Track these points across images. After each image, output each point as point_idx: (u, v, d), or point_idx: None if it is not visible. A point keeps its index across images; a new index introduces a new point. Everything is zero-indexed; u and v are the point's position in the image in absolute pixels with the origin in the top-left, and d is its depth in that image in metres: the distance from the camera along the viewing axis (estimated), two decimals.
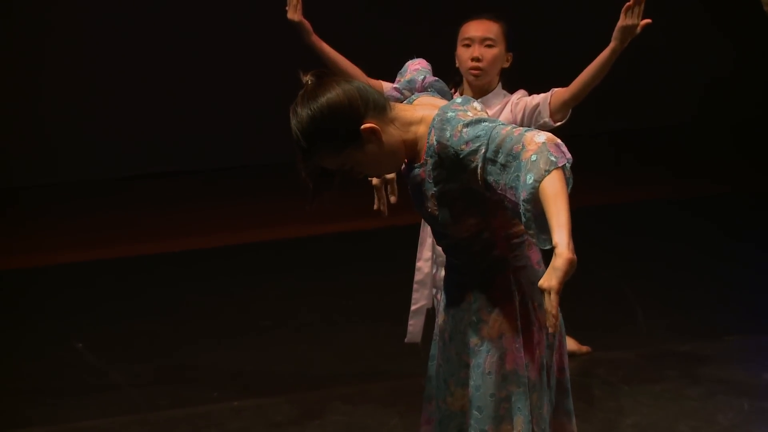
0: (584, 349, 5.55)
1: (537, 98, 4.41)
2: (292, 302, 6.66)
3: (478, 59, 4.42)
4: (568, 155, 2.71)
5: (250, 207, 9.05)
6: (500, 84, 4.51)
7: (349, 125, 2.91)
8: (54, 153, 9.99)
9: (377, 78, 4.52)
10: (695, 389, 5.16)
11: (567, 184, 2.68)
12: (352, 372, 5.59)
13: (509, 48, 4.52)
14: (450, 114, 2.89)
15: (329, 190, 3.03)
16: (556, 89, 4.40)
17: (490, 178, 2.80)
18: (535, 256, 3.12)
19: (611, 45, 4.26)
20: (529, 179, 2.67)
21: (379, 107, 2.96)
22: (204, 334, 6.20)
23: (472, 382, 3.11)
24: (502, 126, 2.82)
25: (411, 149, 3.03)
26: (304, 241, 7.91)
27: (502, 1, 5.40)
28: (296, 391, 5.39)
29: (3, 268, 7.58)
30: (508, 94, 4.50)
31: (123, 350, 6.00)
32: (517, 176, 2.73)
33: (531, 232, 2.73)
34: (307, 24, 4.61)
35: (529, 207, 2.70)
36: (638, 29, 4.25)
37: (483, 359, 3.08)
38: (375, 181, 3.72)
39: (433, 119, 2.94)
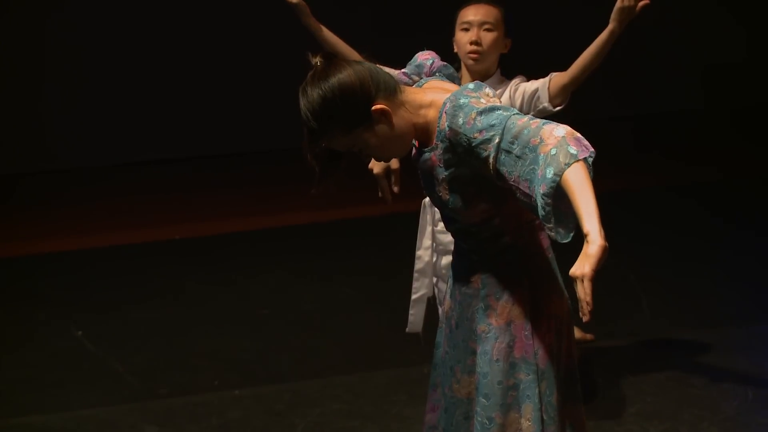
0: (588, 336, 5.53)
1: (536, 83, 4.38)
2: (291, 290, 6.64)
3: (477, 43, 4.38)
4: (591, 148, 2.69)
5: (249, 194, 9.03)
6: (499, 70, 4.48)
7: (360, 106, 2.88)
8: (49, 140, 9.97)
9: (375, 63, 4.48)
10: (699, 378, 5.14)
11: (590, 175, 2.66)
12: (352, 360, 5.57)
13: (508, 33, 4.49)
14: (463, 100, 2.86)
15: (336, 173, 3.02)
16: (554, 73, 4.37)
17: (503, 169, 2.77)
18: (545, 242, 3.10)
19: (609, 27, 4.23)
20: (549, 173, 2.65)
21: (390, 89, 2.94)
22: (203, 322, 6.18)
23: (479, 369, 3.09)
24: (518, 116, 2.80)
25: (421, 133, 3.01)
26: (304, 228, 7.89)
27: None
28: (297, 380, 5.38)
29: (1, 255, 7.56)
30: (507, 80, 4.47)
31: (122, 338, 5.98)
32: (533, 169, 2.70)
33: (549, 225, 2.70)
34: (305, 5, 4.59)
35: (548, 201, 2.67)
36: (636, 10, 4.22)
37: (491, 346, 3.06)
38: (377, 170, 3.68)
39: (444, 103, 2.91)
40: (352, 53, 4.51)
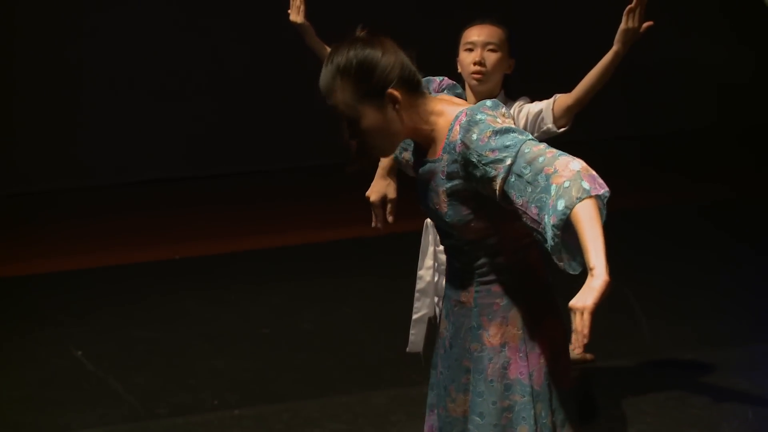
0: (588, 356, 5.53)
1: (540, 104, 4.39)
2: (292, 310, 6.63)
3: (480, 63, 4.39)
4: (605, 187, 2.70)
5: (249, 213, 9.03)
6: (503, 91, 4.49)
7: (377, 83, 2.90)
8: (51, 159, 9.97)
9: None
10: (699, 398, 5.13)
11: (601, 214, 2.67)
12: (352, 380, 5.57)
13: (512, 54, 4.50)
14: (479, 116, 2.87)
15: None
16: (558, 95, 4.38)
17: (512, 192, 2.78)
18: (541, 263, 3.09)
19: (614, 48, 4.24)
20: (560, 205, 2.66)
21: (412, 86, 2.96)
22: (203, 341, 6.18)
23: (473, 388, 3.08)
24: (533, 142, 2.81)
25: (424, 139, 3.02)
26: (304, 248, 7.89)
27: (504, 7, 5.38)
28: (296, 400, 5.37)
29: (1, 275, 7.55)
30: (510, 101, 4.48)
31: (122, 358, 5.97)
32: (543, 198, 2.71)
33: (557, 256, 2.72)
34: (309, 26, 4.60)
35: (558, 233, 2.69)
36: (641, 32, 4.23)
37: (485, 365, 3.06)
38: (374, 197, 3.68)
39: (458, 116, 2.92)
40: None
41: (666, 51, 10.27)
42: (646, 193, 8.92)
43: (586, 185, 2.66)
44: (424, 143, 3.03)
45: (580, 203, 2.64)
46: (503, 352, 3.04)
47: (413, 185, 3.18)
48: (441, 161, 2.96)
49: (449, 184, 2.95)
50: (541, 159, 2.74)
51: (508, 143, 2.80)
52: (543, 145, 2.79)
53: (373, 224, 3.63)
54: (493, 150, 2.81)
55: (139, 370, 5.79)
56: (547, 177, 2.71)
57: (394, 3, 9.83)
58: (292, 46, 8.34)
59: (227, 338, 6.22)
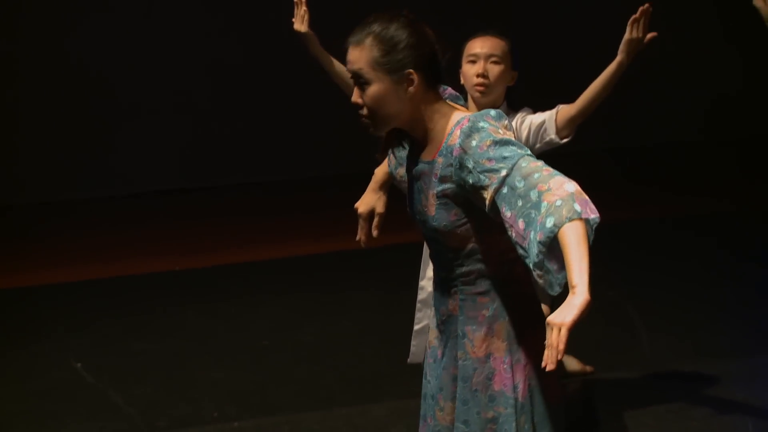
0: (588, 369, 5.52)
1: (543, 115, 4.40)
2: (291, 322, 6.63)
3: (483, 75, 4.40)
4: (596, 213, 2.70)
5: (248, 225, 9.03)
6: (505, 102, 4.49)
7: (404, 60, 2.94)
8: (48, 171, 9.98)
9: None
10: (699, 410, 5.13)
11: (588, 238, 2.67)
12: (353, 392, 5.56)
13: (514, 66, 4.50)
14: (482, 124, 2.89)
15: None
16: (561, 106, 4.39)
17: (502, 204, 2.79)
18: (526, 279, 3.08)
19: (617, 59, 4.25)
20: (549, 222, 2.67)
21: (431, 80, 3.00)
22: (203, 353, 6.17)
23: (459, 396, 3.09)
24: (531, 157, 2.82)
25: (420, 135, 3.03)
26: (304, 260, 7.89)
27: (507, 20, 5.40)
28: (296, 412, 5.36)
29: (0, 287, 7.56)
30: (513, 112, 4.48)
31: (121, 370, 5.97)
32: (532, 213, 2.72)
33: (539, 272, 2.73)
34: (313, 35, 4.62)
35: (543, 249, 2.70)
36: (644, 42, 4.24)
37: (470, 374, 3.07)
38: (362, 209, 3.67)
39: (460, 121, 2.94)
40: None
41: (657, 62, 10.29)
42: (639, 206, 8.93)
43: (577, 207, 2.67)
44: (419, 140, 3.05)
45: (569, 223, 2.65)
46: (488, 363, 3.05)
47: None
48: (435, 163, 2.98)
49: (441, 187, 2.96)
50: (536, 175, 2.75)
51: (506, 155, 2.81)
52: (540, 162, 2.80)
53: (357, 237, 3.64)
54: (490, 159, 2.82)
55: (139, 383, 5.79)
56: (540, 194, 2.72)
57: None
58: (292, 58, 8.38)
59: (227, 350, 6.22)
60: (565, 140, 4.38)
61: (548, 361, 2.62)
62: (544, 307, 3.79)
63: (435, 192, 2.98)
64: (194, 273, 7.74)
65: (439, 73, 3.03)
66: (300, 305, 6.91)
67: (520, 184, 2.76)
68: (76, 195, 9.96)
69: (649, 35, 4.25)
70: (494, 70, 4.42)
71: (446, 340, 3.15)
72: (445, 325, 3.15)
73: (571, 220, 2.65)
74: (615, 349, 5.88)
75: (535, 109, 4.48)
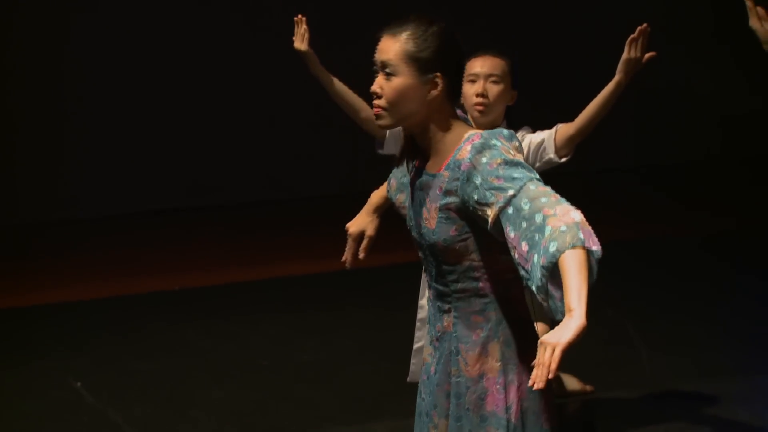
0: (588, 388, 5.51)
1: (542, 134, 4.40)
2: (291, 341, 6.62)
3: (483, 95, 4.40)
4: (599, 245, 2.69)
5: (247, 244, 9.03)
6: (505, 122, 4.50)
7: (435, 63, 2.97)
8: (47, 192, 9.98)
9: None
10: (699, 429, 5.13)
11: (590, 270, 2.66)
12: (352, 411, 5.55)
13: (514, 85, 4.51)
14: (494, 142, 2.89)
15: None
16: (560, 125, 4.39)
17: (506, 224, 2.79)
18: (522, 301, 3.08)
19: (616, 78, 4.26)
20: (552, 247, 2.66)
21: (452, 93, 3.03)
22: (203, 372, 6.16)
23: (452, 412, 3.09)
24: (539, 182, 2.82)
25: (427, 144, 3.04)
26: (303, 279, 7.89)
27: (507, 39, 5.42)
28: (296, 431, 5.35)
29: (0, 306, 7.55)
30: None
31: (121, 389, 5.96)
32: (536, 237, 2.71)
33: (541, 296, 2.72)
34: (313, 54, 4.63)
35: (546, 274, 2.69)
36: (643, 62, 4.25)
37: (462, 392, 3.06)
38: (353, 229, 3.67)
39: (470, 137, 2.94)
40: (359, 102, 4.55)
41: (664, 81, 10.33)
42: (644, 224, 8.93)
43: (581, 235, 2.66)
44: (424, 149, 3.05)
45: (571, 249, 2.64)
46: (481, 383, 3.04)
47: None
48: (441, 177, 2.98)
49: (444, 201, 2.96)
50: (543, 199, 2.75)
51: (515, 176, 2.81)
52: (548, 188, 2.80)
53: (343, 257, 3.63)
54: (498, 178, 2.82)
55: (139, 402, 5.78)
56: (545, 217, 2.71)
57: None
58: (290, 79, 8.39)
59: (227, 369, 6.21)
60: (564, 159, 4.38)
61: (537, 380, 2.58)
62: (544, 326, 3.79)
63: (438, 205, 2.98)
64: (194, 292, 7.73)
65: (460, 88, 3.07)
66: (299, 324, 6.90)
67: (525, 206, 2.75)
68: (75, 214, 9.95)
69: (648, 55, 4.26)
70: (494, 89, 4.43)
71: (440, 357, 3.14)
72: (440, 341, 3.14)
73: (574, 246, 2.64)
74: (615, 367, 5.87)
75: (535, 128, 4.48)
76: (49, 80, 9.89)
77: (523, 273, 2.77)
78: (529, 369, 3.00)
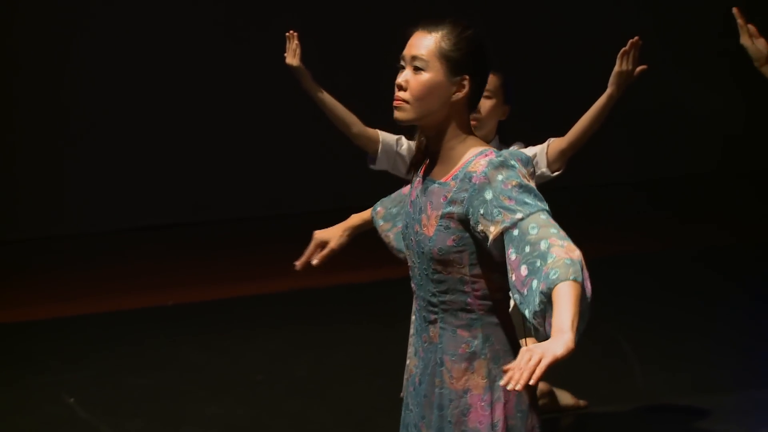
0: (581, 403, 5.51)
1: (534, 149, 4.41)
2: (285, 356, 6.62)
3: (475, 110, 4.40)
4: (590, 291, 2.71)
5: (242, 259, 9.03)
6: (497, 136, 4.51)
7: (468, 65, 3.00)
8: (42, 207, 9.97)
9: (374, 127, 4.54)
10: None
11: (583, 313, 2.67)
12: (347, 426, 5.55)
13: (507, 101, 4.52)
14: (513, 163, 2.91)
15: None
16: (552, 139, 4.40)
17: (509, 245, 2.80)
18: (509, 322, 3.08)
19: (608, 91, 4.27)
20: (553, 274, 2.67)
21: (472, 102, 3.06)
22: (197, 388, 6.16)
23: (434, 423, 3.09)
24: (549, 213, 2.84)
25: (437, 149, 3.05)
26: (298, 294, 7.87)
27: (499, 54, 5.42)
28: None
29: None
30: (505, 147, 4.49)
31: (115, 405, 5.95)
32: (537, 263, 2.72)
33: (537, 321, 2.72)
34: (305, 69, 4.63)
35: (545, 300, 2.69)
36: (634, 75, 4.27)
37: (445, 404, 3.06)
38: (318, 235, 3.68)
39: (482, 151, 2.98)
40: (351, 118, 4.55)
41: (661, 97, 10.36)
42: (639, 239, 8.94)
43: (581, 274, 2.68)
44: (434, 155, 3.07)
45: (572, 281, 2.65)
46: (464, 398, 3.03)
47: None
48: (447, 186, 2.99)
49: (447, 209, 2.97)
50: (552, 230, 2.77)
51: (527, 201, 2.83)
52: (557, 224, 2.81)
53: (297, 261, 3.66)
54: (510, 199, 2.83)
55: (133, 417, 5.77)
56: (550, 246, 2.72)
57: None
58: (282, 92, 8.40)
59: (221, 384, 6.20)
60: (556, 173, 4.39)
61: (513, 381, 2.51)
62: (532, 340, 3.79)
63: (440, 213, 2.99)
64: (188, 307, 7.73)
65: (480, 97, 3.09)
66: (293, 339, 6.90)
67: (533, 231, 2.77)
68: (68, 230, 9.94)
69: (639, 68, 4.27)
70: (485, 104, 4.44)
71: (425, 367, 3.14)
72: (425, 352, 3.14)
73: (574, 280, 2.65)
74: (609, 382, 5.87)
75: (527, 143, 4.49)
76: (43, 97, 9.89)
77: (516, 297, 2.77)
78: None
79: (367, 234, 3.72)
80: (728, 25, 4.33)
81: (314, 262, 3.64)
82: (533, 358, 2.53)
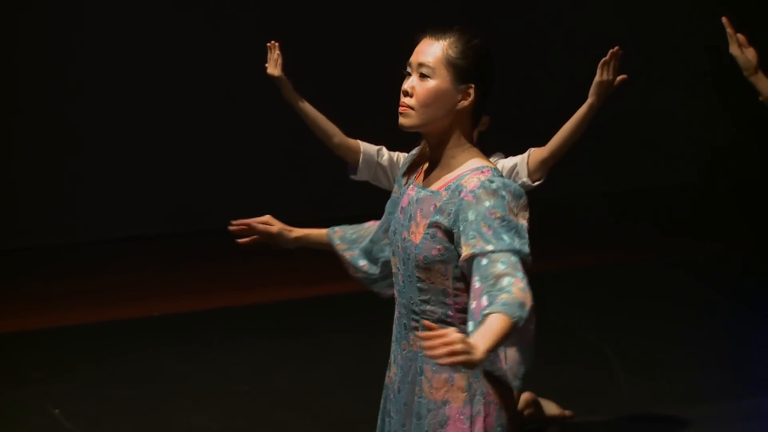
0: (566, 413, 5.51)
1: (514, 159, 4.42)
2: (271, 368, 6.60)
3: None
4: (531, 340, 2.83)
5: (227, 270, 9.00)
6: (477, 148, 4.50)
7: (473, 73, 3.02)
8: (27, 216, 9.94)
9: (355, 138, 4.55)
10: None
11: (525, 358, 2.88)
12: None
13: (486, 111, 4.52)
14: (503, 193, 2.92)
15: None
16: (533, 149, 4.41)
17: (476, 273, 2.84)
18: None
19: (588, 101, 4.29)
20: (502, 305, 2.73)
21: (477, 113, 3.08)
22: (182, 399, 6.14)
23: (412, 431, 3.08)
24: (523, 254, 2.86)
25: (435, 156, 3.07)
26: (283, 305, 7.87)
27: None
28: None
29: None
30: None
31: (100, 416, 5.94)
32: (498, 295, 2.76)
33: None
34: (286, 80, 4.64)
35: (482, 319, 2.75)
36: (615, 85, 4.28)
37: (423, 413, 3.06)
38: (267, 217, 3.68)
39: (479, 167, 3.00)
40: (332, 128, 4.56)
41: (642, 105, 10.38)
42: (621, 250, 8.94)
43: (522, 321, 2.73)
44: (434, 163, 3.08)
45: (512, 318, 2.71)
46: (443, 410, 3.04)
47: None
48: (438, 195, 3.01)
49: (435, 218, 2.98)
50: (519, 274, 2.81)
51: (504, 237, 2.85)
52: (523, 270, 2.84)
53: (242, 239, 3.70)
54: (490, 228, 2.86)
55: (117, 428, 5.76)
56: (513, 284, 2.78)
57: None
58: (271, 104, 8.40)
59: (206, 396, 6.19)
60: (537, 183, 4.40)
61: (427, 347, 2.59)
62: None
63: (428, 221, 3.00)
64: (172, 318, 7.70)
65: (485, 107, 3.10)
66: (278, 350, 6.89)
67: (501, 267, 2.81)
68: (52, 241, 9.90)
69: (620, 78, 4.29)
70: None
71: (404, 375, 3.14)
72: (404, 360, 3.14)
73: (514, 321, 2.72)
74: (593, 392, 5.88)
75: (507, 154, 4.49)
76: (38, 106, 9.87)
77: (470, 324, 2.80)
78: (498, 400, 3.03)
79: None
80: (715, 34, 4.34)
81: (239, 228, 3.67)
82: (454, 336, 2.59)
